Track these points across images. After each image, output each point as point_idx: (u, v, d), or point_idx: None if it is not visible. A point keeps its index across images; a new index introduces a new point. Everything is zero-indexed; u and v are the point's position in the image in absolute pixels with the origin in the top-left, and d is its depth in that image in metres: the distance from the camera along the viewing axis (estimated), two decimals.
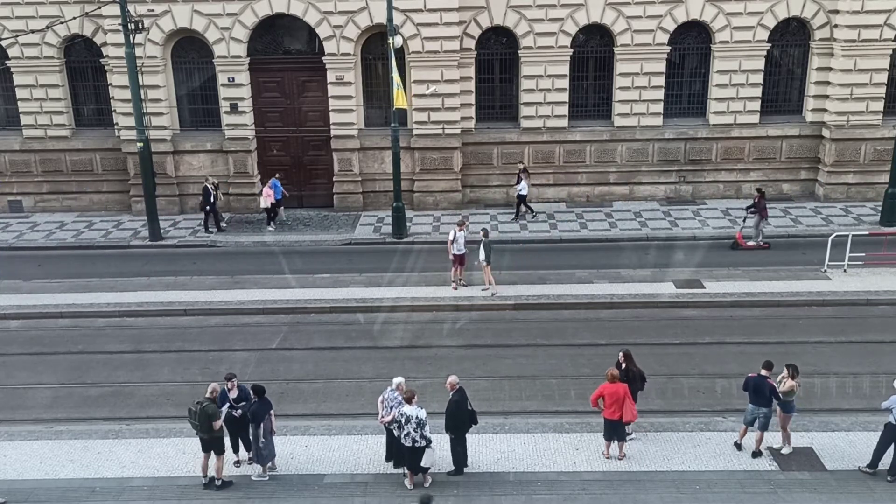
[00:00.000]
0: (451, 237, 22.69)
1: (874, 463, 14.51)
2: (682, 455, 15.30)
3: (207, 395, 14.43)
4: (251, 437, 14.82)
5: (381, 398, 14.81)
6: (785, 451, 15.05)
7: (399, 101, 25.65)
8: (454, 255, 22.63)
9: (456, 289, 22.74)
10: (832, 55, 28.38)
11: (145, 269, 25.38)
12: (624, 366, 15.41)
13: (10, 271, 25.13)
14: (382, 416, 14.61)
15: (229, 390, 14.87)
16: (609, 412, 14.73)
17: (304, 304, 22.28)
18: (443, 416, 14.69)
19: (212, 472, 14.68)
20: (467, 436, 14.84)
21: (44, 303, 22.74)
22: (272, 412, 14.80)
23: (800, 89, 29.65)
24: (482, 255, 22.12)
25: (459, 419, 14.52)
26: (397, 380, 14.84)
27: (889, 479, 14.39)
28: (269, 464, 15.02)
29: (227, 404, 14.78)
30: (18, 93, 29.59)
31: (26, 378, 19.02)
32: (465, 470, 14.86)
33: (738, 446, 15.36)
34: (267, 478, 14.92)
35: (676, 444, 15.62)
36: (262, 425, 14.52)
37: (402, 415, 14.09)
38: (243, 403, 14.83)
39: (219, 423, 14.26)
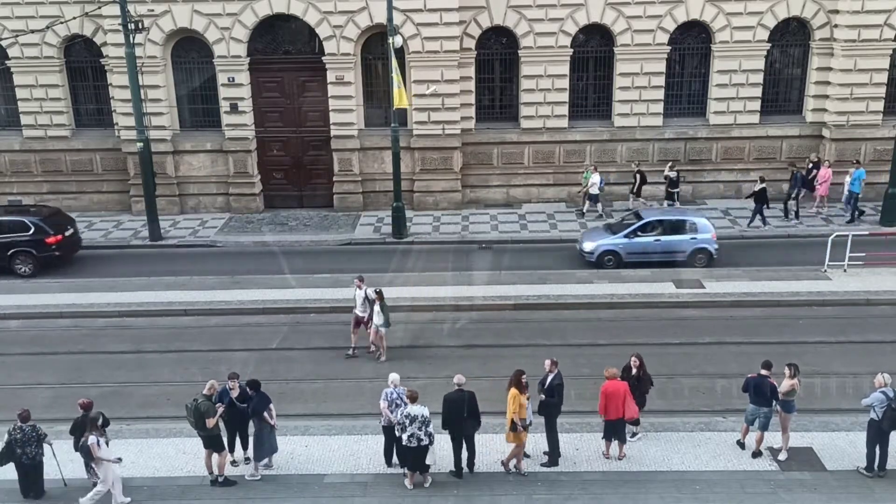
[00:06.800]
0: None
1: (871, 465, 14.54)
2: (682, 455, 15.30)
3: (205, 391, 14.45)
4: (254, 433, 14.83)
5: (384, 399, 14.78)
6: (781, 456, 15.03)
7: (400, 100, 25.66)
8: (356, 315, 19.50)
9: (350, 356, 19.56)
10: (832, 55, 28.39)
11: (145, 269, 25.38)
12: (639, 371, 15.37)
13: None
14: (390, 416, 14.60)
15: (231, 389, 14.88)
16: (611, 412, 14.71)
17: (304, 304, 22.27)
18: (441, 415, 14.71)
19: (216, 469, 14.72)
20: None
21: (44, 303, 22.74)
22: (272, 405, 14.81)
23: (800, 89, 29.67)
24: (378, 320, 18.90)
25: (448, 417, 14.48)
26: (394, 376, 14.89)
27: (880, 474, 14.44)
28: (266, 460, 15.03)
29: (227, 400, 14.77)
30: (18, 93, 29.61)
31: (26, 378, 19.01)
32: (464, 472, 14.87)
33: (742, 445, 15.37)
34: (259, 476, 14.91)
35: (676, 444, 15.62)
36: (263, 419, 14.58)
37: (406, 416, 14.08)
38: (245, 404, 14.83)
39: (213, 420, 14.26)
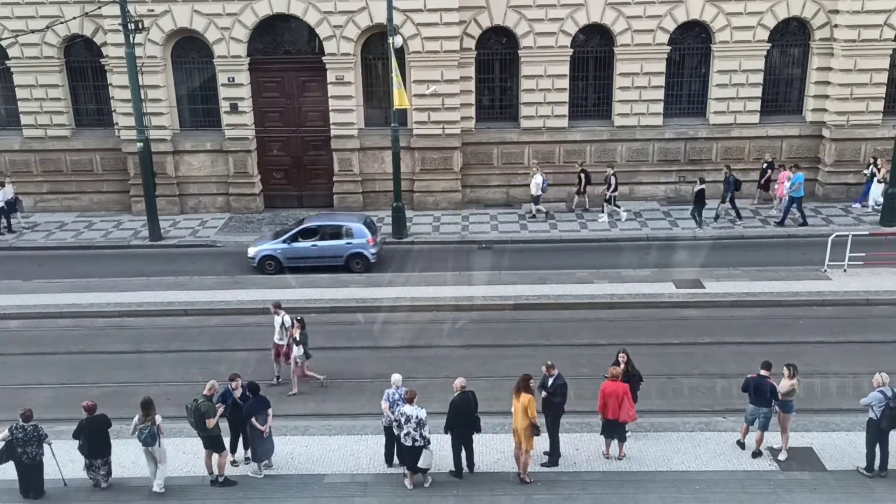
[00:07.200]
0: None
1: (871, 465, 14.54)
2: (682, 455, 15.30)
3: (205, 391, 14.47)
4: (248, 433, 14.87)
5: (386, 400, 14.79)
6: (781, 456, 15.05)
7: (400, 100, 25.68)
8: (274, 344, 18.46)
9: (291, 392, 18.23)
10: (832, 55, 28.38)
11: (145, 269, 25.39)
12: (626, 367, 15.37)
13: (10, 271, 25.15)
14: (391, 416, 14.60)
15: (233, 390, 14.91)
16: (610, 412, 14.71)
17: (304, 304, 22.25)
18: (442, 416, 14.71)
19: (216, 469, 14.75)
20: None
21: (44, 303, 22.75)
22: (269, 410, 14.82)
23: (800, 89, 29.67)
24: (297, 351, 17.81)
25: (453, 420, 14.50)
26: (396, 377, 14.90)
27: (881, 474, 14.45)
28: (266, 461, 15.05)
29: (230, 401, 14.80)
30: (18, 93, 29.61)
31: (26, 378, 19.03)
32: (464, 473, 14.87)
33: (742, 445, 15.38)
34: (262, 475, 14.94)
35: (676, 444, 15.62)
36: (257, 422, 14.60)
37: (401, 414, 14.12)
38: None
39: (213, 421, 14.29)
